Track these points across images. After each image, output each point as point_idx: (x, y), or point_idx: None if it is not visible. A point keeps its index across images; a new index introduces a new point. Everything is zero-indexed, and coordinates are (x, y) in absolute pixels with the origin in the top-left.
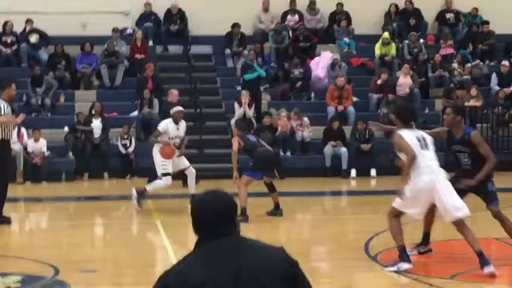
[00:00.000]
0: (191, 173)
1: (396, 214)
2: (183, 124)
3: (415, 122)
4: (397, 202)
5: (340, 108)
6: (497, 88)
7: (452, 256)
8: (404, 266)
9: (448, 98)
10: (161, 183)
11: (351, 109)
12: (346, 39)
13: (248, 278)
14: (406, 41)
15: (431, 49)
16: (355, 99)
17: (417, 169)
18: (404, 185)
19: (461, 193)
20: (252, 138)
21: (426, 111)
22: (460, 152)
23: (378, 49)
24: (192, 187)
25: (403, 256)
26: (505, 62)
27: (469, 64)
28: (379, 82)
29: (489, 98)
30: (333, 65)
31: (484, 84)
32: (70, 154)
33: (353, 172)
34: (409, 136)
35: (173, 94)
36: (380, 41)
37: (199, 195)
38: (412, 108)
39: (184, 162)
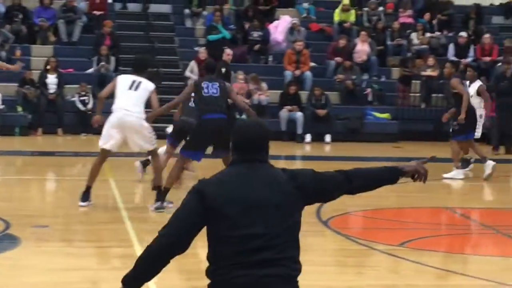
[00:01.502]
0: None
1: (103, 157)
2: None
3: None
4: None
5: (297, 72)
6: (454, 58)
7: (404, 224)
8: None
9: (405, 66)
10: None
11: (308, 74)
12: (305, 4)
13: (269, 203)
14: (366, 8)
15: (390, 17)
16: (312, 64)
17: (114, 107)
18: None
19: None
20: None
21: (383, 79)
22: None
23: (337, 15)
24: None
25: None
26: (463, 33)
27: (428, 34)
28: (338, 59)
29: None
30: (291, 30)
31: (441, 54)
32: (20, 108)
33: (308, 137)
34: (124, 80)
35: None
36: (339, 7)
37: (244, 120)
38: (145, 59)
39: None
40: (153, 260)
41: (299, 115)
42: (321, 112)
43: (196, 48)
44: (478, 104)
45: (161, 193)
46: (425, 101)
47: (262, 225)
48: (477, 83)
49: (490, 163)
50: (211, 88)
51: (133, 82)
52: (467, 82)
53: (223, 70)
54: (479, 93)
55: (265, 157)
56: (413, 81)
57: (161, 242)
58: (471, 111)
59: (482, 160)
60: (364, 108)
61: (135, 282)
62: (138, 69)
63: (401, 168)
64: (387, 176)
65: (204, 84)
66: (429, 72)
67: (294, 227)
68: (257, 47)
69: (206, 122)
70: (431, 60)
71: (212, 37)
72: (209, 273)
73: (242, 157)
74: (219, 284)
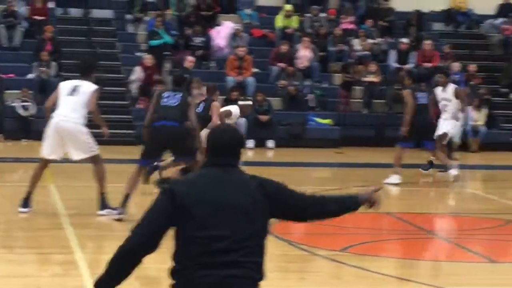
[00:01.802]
0: None
1: (44, 164)
2: None
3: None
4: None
5: (240, 78)
6: (395, 64)
7: (345, 229)
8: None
9: (346, 72)
10: None
11: (250, 79)
12: (248, 10)
13: (238, 207)
14: (308, 14)
15: (332, 23)
16: (255, 70)
17: (53, 114)
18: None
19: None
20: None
21: (325, 84)
22: None
23: (279, 21)
24: None
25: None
26: (404, 40)
27: (369, 40)
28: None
29: (386, 75)
30: (234, 35)
31: (382, 60)
32: None
33: (251, 143)
34: (65, 86)
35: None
36: (282, 13)
37: (220, 126)
38: (90, 61)
39: None
40: (124, 261)
41: (241, 120)
42: (264, 117)
43: (137, 54)
44: (456, 106)
45: (105, 200)
46: (367, 107)
47: (230, 227)
48: (451, 86)
49: (452, 172)
50: (171, 98)
51: (74, 87)
52: (440, 88)
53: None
54: (457, 95)
55: (237, 163)
56: (355, 87)
57: (132, 242)
58: (422, 121)
59: (444, 168)
60: (306, 114)
61: (107, 285)
62: (83, 72)
63: (359, 198)
64: (351, 206)
65: (165, 94)
66: (370, 78)
67: (260, 233)
68: (199, 52)
69: (155, 129)
70: (372, 66)
71: (153, 42)
72: (173, 273)
73: (215, 160)
74: (183, 284)
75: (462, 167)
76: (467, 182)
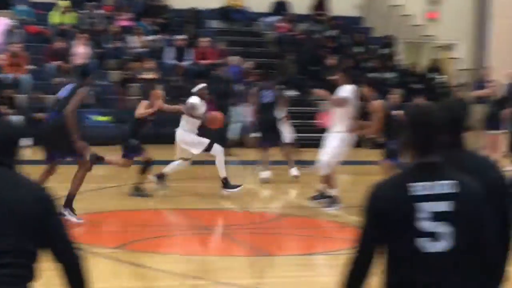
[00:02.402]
0: None
1: None
2: None
3: None
4: None
5: (15, 75)
6: (172, 61)
7: (122, 226)
8: None
9: (122, 69)
10: None
11: (26, 76)
12: (22, 6)
13: (8, 209)
14: (84, 11)
15: (109, 20)
16: (30, 67)
17: None
18: None
19: None
20: None
21: (103, 82)
22: None
23: (55, 17)
24: None
25: None
26: (180, 37)
27: (146, 37)
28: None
29: (163, 71)
30: (8, 32)
31: (159, 57)
32: None
33: (28, 141)
34: None
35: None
36: (57, 9)
37: None
38: None
39: None
40: None
41: (15, 118)
42: (39, 115)
43: None
44: None
45: None
46: None
47: None
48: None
49: (266, 173)
50: (64, 90)
51: None
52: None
53: None
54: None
55: (10, 161)
56: (132, 84)
57: None
58: (265, 120)
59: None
60: (84, 111)
61: None
62: None
63: None
64: None
65: (65, 87)
66: (147, 75)
67: (28, 237)
68: None
69: (46, 120)
70: (149, 63)
71: None
72: None
73: None
74: None
75: (242, 163)
76: (244, 177)
